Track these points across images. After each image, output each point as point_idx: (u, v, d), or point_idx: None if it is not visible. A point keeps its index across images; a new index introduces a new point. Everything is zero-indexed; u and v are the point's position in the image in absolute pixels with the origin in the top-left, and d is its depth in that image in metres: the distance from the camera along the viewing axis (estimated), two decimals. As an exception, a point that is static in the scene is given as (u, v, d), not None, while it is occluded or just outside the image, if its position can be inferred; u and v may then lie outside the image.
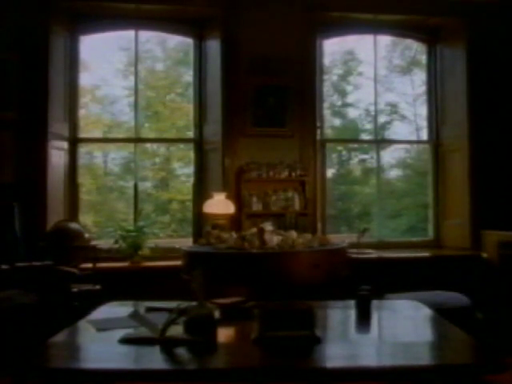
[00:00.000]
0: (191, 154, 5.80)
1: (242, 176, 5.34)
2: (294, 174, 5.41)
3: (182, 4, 5.45)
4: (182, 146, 6.25)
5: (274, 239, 4.30)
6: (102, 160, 6.26)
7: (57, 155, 5.23)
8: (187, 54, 5.95)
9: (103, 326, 2.54)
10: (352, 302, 2.82)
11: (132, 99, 5.78)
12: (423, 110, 6.23)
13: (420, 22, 5.88)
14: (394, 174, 6.73)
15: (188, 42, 5.85)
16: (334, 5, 5.56)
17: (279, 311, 2.30)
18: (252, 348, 2.24)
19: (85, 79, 5.70)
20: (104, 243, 5.31)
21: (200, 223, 5.49)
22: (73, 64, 5.49)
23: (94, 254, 4.80)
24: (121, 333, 2.35)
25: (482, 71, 5.61)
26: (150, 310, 2.84)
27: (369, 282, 2.97)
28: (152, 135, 6.23)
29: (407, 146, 6.59)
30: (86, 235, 4.92)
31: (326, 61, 6.02)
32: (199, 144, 5.71)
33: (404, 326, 2.74)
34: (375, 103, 6.11)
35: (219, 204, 5.10)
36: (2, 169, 4.95)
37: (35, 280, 4.20)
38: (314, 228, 5.35)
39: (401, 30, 6.04)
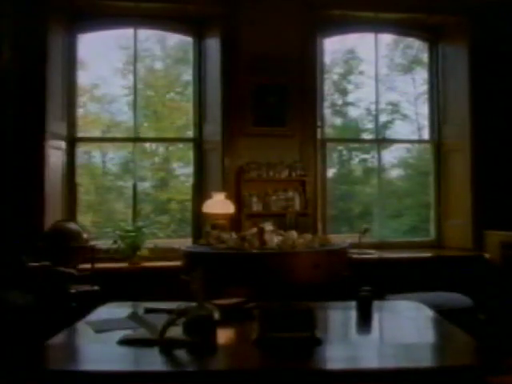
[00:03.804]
0: (190, 154, 5.77)
1: (242, 176, 5.31)
2: (294, 174, 5.38)
3: (182, 2, 5.43)
4: (181, 145, 6.22)
5: (274, 239, 4.28)
6: (101, 160, 6.23)
7: (55, 155, 5.19)
8: (187, 52, 5.92)
9: (102, 328, 2.51)
10: (353, 303, 2.80)
11: (131, 98, 5.75)
12: (425, 109, 6.20)
13: (421, 20, 5.85)
14: (395, 173, 6.71)
15: (187, 40, 5.82)
16: (334, 3, 5.53)
17: (279, 312, 2.28)
18: (252, 349, 2.23)
19: (83, 78, 5.67)
20: (103, 243, 5.28)
21: (199, 223, 5.47)
22: (71, 63, 5.45)
23: (93, 254, 4.77)
24: (120, 334, 2.33)
25: (485, 70, 5.58)
26: (149, 311, 2.82)
27: (370, 282, 2.95)
28: (151, 135, 6.20)
29: (408, 145, 6.56)
30: (85, 235, 4.88)
31: (327, 59, 5.99)
32: (199, 143, 5.68)
33: (405, 327, 2.71)
34: (376, 102, 6.08)
35: (219, 204, 5.07)
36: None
37: (33, 281, 4.18)
38: (314, 228, 5.32)
39: (402, 28, 6.02)
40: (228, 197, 5.15)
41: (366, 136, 6.40)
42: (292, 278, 4.07)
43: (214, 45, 5.50)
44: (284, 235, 4.37)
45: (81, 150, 5.69)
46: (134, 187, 5.65)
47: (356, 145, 6.56)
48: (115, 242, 5.19)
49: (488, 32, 5.59)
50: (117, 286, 4.56)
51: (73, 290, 4.28)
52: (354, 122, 6.42)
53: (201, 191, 5.56)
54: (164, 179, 6.31)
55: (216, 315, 2.49)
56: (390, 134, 6.37)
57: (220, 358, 2.18)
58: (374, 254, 5.35)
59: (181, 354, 2.13)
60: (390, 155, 6.41)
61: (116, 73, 5.98)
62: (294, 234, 4.40)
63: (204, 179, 5.61)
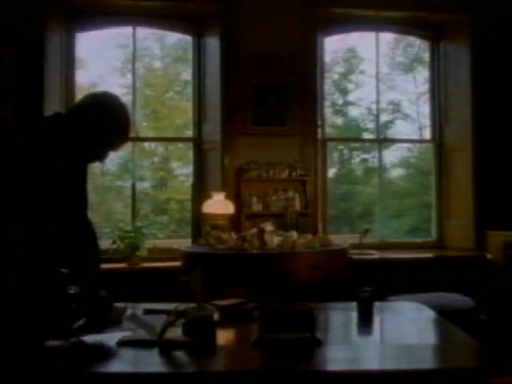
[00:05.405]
0: (190, 154, 5.74)
1: (242, 176, 5.28)
2: (294, 174, 5.35)
3: (181, 1, 5.40)
4: (180, 145, 6.20)
5: (274, 240, 4.26)
6: (100, 159, 6.19)
7: (53, 154, 5.16)
8: (186, 51, 5.90)
9: (99, 328, 2.48)
10: (353, 304, 2.77)
11: (130, 97, 5.70)
12: (426, 109, 6.17)
13: (423, 18, 5.82)
14: (396, 173, 6.69)
15: (187, 39, 5.79)
16: (335, 1, 5.51)
17: (279, 313, 2.25)
18: (252, 350, 2.20)
19: (81, 77, 5.63)
20: (101, 244, 5.23)
21: (199, 223, 5.43)
22: (69, 61, 5.42)
23: (91, 254, 4.74)
24: (118, 335, 2.30)
25: (487, 69, 5.55)
26: (148, 311, 2.79)
27: (371, 283, 2.93)
28: (150, 134, 6.17)
29: (410, 145, 6.54)
30: (83, 235, 4.84)
31: (328, 58, 5.96)
32: (198, 143, 5.65)
33: (406, 328, 2.68)
34: (377, 101, 6.05)
35: (218, 204, 5.04)
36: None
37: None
38: (314, 228, 5.29)
39: (403, 26, 5.98)
40: (228, 197, 5.12)
41: (367, 135, 6.38)
42: (292, 278, 4.05)
43: (213, 43, 5.47)
44: (284, 235, 4.35)
45: (79, 149, 5.65)
46: (133, 187, 5.62)
47: (357, 144, 6.53)
48: (114, 242, 5.15)
49: (490, 30, 5.56)
50: (116, 287, 4.51)
51: (71, 291, 4.25)
52: (354, 122, 6.40)
53: (200, 191, 5.53)
54: (163, 179, 6.29)
55: (215, 316, 2.47)
56: (391, 133, 6.35)
57: (219, 360, 2.16)
58: (375, 255, 5.32)
59: (180, 355, 2.10)
60: (391, 155, 6.40)
61: (115, 72, 5.96)
62: (294, 234, 4.38)
63: (203, 179, 5.58)
